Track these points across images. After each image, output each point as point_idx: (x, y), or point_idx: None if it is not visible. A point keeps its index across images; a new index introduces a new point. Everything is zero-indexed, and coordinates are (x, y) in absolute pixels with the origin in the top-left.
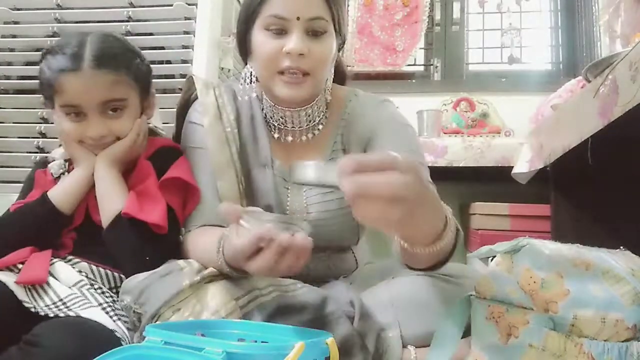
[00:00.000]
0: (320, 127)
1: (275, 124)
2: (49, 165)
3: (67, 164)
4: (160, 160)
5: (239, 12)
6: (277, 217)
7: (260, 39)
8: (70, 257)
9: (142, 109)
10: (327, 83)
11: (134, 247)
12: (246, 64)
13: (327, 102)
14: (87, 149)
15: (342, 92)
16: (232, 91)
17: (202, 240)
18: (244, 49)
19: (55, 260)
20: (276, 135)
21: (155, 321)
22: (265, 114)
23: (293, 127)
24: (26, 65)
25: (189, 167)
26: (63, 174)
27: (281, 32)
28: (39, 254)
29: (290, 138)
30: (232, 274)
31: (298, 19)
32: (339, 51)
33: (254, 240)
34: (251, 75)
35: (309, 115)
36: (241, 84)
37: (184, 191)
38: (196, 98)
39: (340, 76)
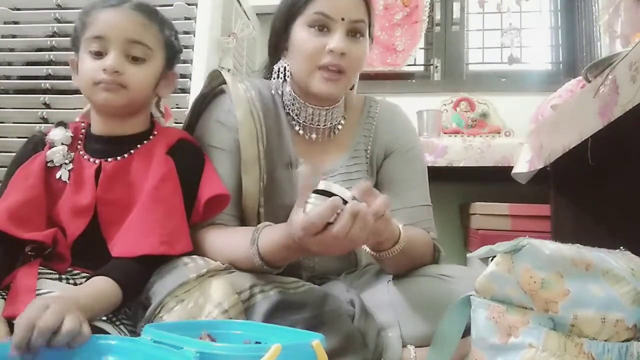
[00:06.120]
0: (340, 126)
1: (301, 121)
2: (49, 153)
3: (69, 152)
4: (181, 155)
5: (278, 9)
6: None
7: (303, 35)
8: (76, 272)
9: (158, 81)
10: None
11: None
12: (273, 61)
13: (345, 103)
14: None
15: (356, 95)
16: (257, 88)
17: (226, 238)
18: (279, 45)
19: (46, 277)
20: (300, 132)
21: (159, 311)
22: (290, 112)
23: (318, 125)
24: (26, 65)
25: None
26: (66, 163)
27: (324, 29)
28: (24, 275)
29: (314, 135)
30: (262, 267)
31: (343, 19)
32: None
33: (331, 206)
34: (285, 70)
35: (332, 114)
36: (274, 79)
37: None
38: (216, 94)
39: None
